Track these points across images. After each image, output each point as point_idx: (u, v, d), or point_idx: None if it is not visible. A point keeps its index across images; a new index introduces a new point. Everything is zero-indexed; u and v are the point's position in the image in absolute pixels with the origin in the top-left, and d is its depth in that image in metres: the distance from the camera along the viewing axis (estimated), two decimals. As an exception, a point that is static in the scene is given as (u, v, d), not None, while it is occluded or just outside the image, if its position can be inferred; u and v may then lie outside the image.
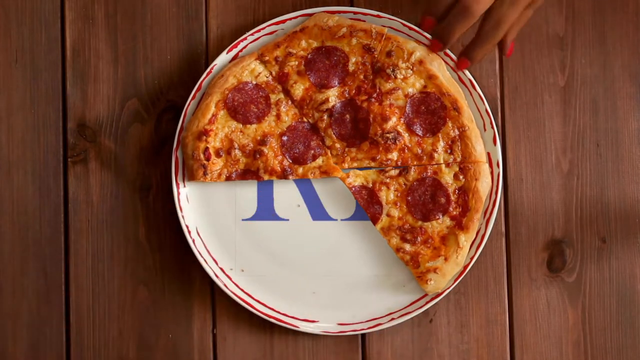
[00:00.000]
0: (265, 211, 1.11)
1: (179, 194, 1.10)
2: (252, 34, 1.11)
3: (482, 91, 1.12)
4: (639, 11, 1.13)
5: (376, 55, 1.10)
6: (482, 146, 1.09)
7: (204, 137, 1.09)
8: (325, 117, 1.10)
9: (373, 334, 1.11)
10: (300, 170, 1.10)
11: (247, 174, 1.10)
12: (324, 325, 1.09)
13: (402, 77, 1.09)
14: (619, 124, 1.13)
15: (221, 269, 1.10)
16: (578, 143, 1.12)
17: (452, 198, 1.09)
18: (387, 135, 1.09)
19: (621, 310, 1.11)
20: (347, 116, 1.10)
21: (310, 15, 1.11)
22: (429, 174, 1.09)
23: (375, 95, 1.09)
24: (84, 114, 1.14)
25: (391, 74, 1.09)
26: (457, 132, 1.09)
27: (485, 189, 1.09)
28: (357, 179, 1.10)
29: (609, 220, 1.12)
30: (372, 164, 1.10)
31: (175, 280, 1.12)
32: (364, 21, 1.11)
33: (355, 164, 1.10)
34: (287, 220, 1.11)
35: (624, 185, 1.12)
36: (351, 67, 1.10)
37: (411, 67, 1.09)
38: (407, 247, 1.08)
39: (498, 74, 1.13)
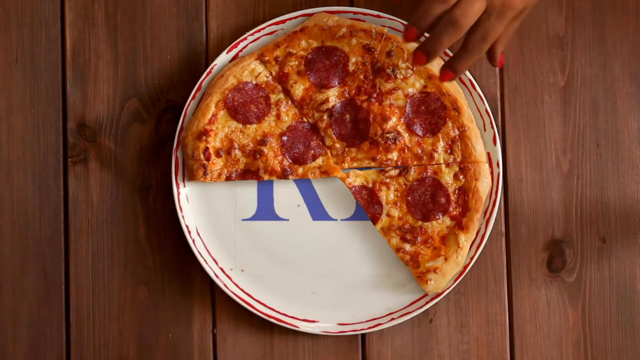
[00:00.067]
0: (265, 211, 1.11)
1: (179, 194, 1.10)
2: (252, 34, 1.11)
3: (482, 91, 1.12)
4: (639, 11, 1.13)
5: (376, 55, 1.10)
6: (482, 146, 1.09)
7: (204, 137, 1.09)
8: (325, 117, 1.10)
9: (373, 334, 1.11)
10: (300, 170, 1.10)
11: (247, 174, 1.10)
12: (324, 325, 1.09)
13: (402, 77, 1.09)
14: (619, 124, 1.13)
15: (221, 269, 1.10)
16: (578, 143, 1.12)
17: (452, 198, 1.09)
18: (387, 135, 1.09)
19: (621, 310, 1.11)
20: (347, 116, 1.10)
21: (310, 15, 1.11)
22: (429, 174, 1.09)
23: (375, 95, 1.09)
24: (84, 114, 1.14)
25: (391, 74, 1.09)
26: (457, 132, 1.09)
27: (485, 189, 1.09)
28: (357, 179, 1.10)
29: (609, 220, 1.12)
30: (372, 164, 1.10)
31: (175, 280, 1.12)
32: (364, 21, 1.11)
33: (355, 164, 1.10)
34: (287, 220, 1.11)
35: (624, 185, 1.12)
36: (351, 67, 1.10)
37: (411, 67, 1.09)
38: (407, 247, 1.08)
39: (498, 74, 1.13)
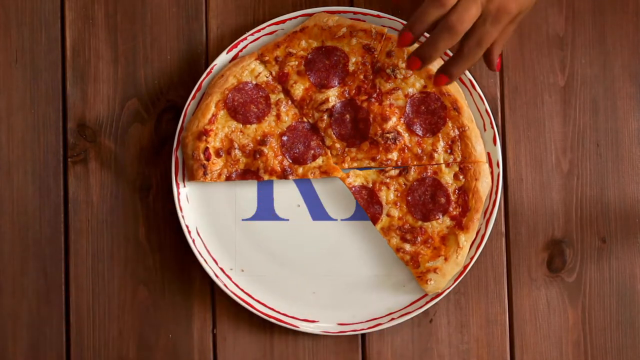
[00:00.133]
0: (265, 211, 1.11)
1: (179, 194, 1.10)
2: (252, 34, 1.11)
3: (482, 91, 1.12)
4: (639, 11, 1.13)
5: (376, 55, 1.10)
6: (482, 146, 1.09)
7: (204, 137, 1.09)
8: (325, 117, 1.10)
9: (373, 334, 1.11)
10: (300, 170, 1.10)
11: (247, 174, 1.10)
12: (324, 325, 1.09)
13: (402, 77, 1.09)
14: (619, 124, 1.13)
15: (221, 269, 1.10)
16: (578, 143, 1.12)
17: (452, 198, 1.09)
18: (387, 135, 1.09)
19: (621, 310, 1.11)
20: (347, 116, 1.10)
21: (310, 15, 1.11)
22: (429, 174, 1.09)
23: (375, 95, 1.09)
24: (84, 114, 1.14)
25: (391, 74, 1.09)
26: (457, 132, 1.09)
27: (485, 189, 1.09)
28: (357, 179, 1.10)
29: (609, 220, 1.12)
30: (372, 164, 1.10)
31: (175, 280, 1.12)
32: (364, 21, 1.11)
33: (355, 164, 1.10)
34: (287, 220, 1.11)
35: (624, 185, 1.12)
36: (351, 67, 1.10)
37: (411, 67, 1.09)
38: (407, 247, 1.08)
39: (498, 74, 1.13)
